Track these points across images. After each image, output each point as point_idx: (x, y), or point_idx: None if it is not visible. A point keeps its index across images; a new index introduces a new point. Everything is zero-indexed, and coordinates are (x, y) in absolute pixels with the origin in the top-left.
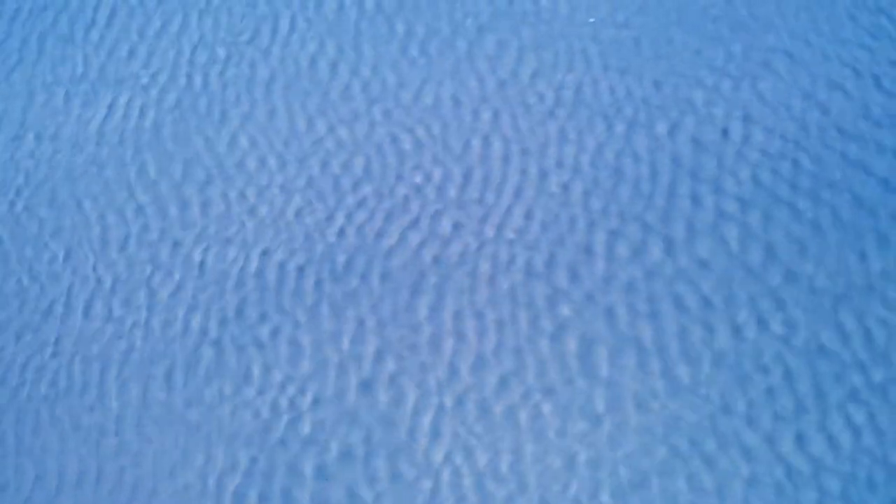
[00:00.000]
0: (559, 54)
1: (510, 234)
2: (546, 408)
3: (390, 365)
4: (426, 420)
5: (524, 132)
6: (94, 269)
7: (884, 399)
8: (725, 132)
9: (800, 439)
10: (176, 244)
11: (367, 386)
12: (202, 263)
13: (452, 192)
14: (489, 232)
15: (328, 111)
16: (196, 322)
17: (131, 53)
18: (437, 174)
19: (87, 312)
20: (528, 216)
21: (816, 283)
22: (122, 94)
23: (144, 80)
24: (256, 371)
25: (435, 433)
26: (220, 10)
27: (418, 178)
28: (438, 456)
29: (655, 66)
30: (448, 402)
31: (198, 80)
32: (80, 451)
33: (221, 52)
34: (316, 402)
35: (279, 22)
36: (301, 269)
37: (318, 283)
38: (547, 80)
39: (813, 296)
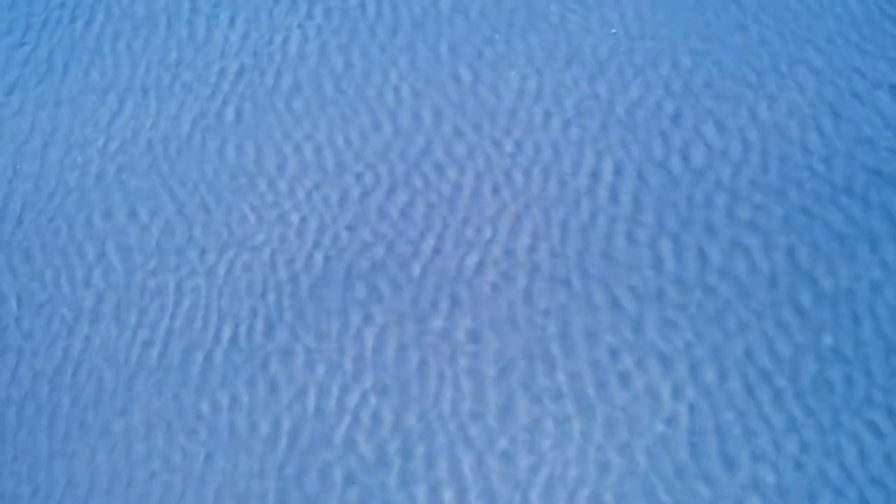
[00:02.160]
0: (582, 65)
1: (541, 243)
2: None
3: (414, 368)
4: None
5: (544, 141)
6: (123, 276)
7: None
8: (747, 141)
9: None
10: (203, 251)
11: (389, 388)
12: (229, 271)
13: (475, 198)
14: (519, 241)
15: (352, 121)
16: (222, 329)
17: (159, 62)
18: (462, 182)
19: (116, 319)
20: (550, 223)
21: (836, 286)
22: (150, 103)
23: (171, 90)
24: (283, 378)
25: (464, 441)
26: (248, 21)
27: (442, 186)
28: (467, 464)
29: (678, 77)
30: (473, 406)
31: (224, 87)
32: (110, 457)
33: (249, 62)
34: (344, 407)
35: (307, 32)
36: (325, 276)
37: (346, 289)
38: (568, 91)
39: (831, 298)
